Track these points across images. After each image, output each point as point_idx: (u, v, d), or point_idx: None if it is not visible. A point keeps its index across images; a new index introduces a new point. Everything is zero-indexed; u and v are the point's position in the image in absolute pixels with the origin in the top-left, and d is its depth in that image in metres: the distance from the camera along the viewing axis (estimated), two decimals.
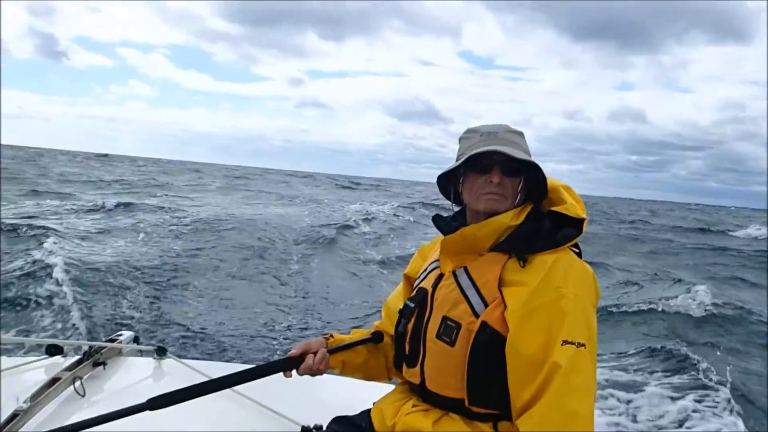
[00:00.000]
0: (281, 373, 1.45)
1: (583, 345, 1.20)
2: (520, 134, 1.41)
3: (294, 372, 1.46)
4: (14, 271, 7.77)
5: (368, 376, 1.60)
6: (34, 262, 8.02)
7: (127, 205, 16.22)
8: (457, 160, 1.41)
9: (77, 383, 1.81)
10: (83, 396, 1.77)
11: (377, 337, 1.56)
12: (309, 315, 7.34)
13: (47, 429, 1.31)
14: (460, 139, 1.44)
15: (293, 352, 1.47)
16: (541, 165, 1.35)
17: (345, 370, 1.56)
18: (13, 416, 1.52)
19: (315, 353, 1.46)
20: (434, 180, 1.50)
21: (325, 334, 1.56)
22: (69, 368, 1.91)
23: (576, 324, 1.21)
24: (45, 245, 9.07)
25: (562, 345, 1.18)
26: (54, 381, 1.77)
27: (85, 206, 15.60)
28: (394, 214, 21.14)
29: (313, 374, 1.47)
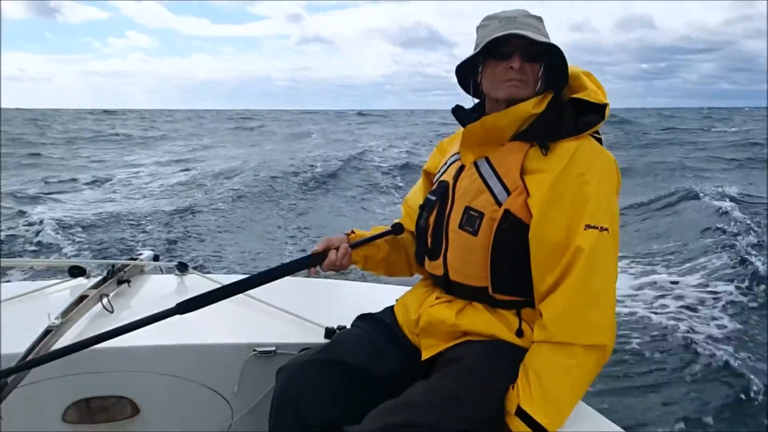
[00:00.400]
0: (302, 282, 1.46)
1: (606, 229, 1.21)
2: (539, 19, 1.35)
3: (318, 268, 1.47)
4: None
5: (390, 272, 1.62)
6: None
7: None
8: (475, 49, 1.36)
9: (104, 300, 1.86)
10: (111, 312, 1.83)
11: (397, 228, 1.54)
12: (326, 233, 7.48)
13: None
14: (478, 28, 1.39)
15: (316, 248, 1.48)
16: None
17: (367, 265, 1.57)
18: (46, 332, 1.57)
19: (337, 249, 1.47)
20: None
21: (346, 231, 1.57)
22: (94, 286, 1.96)
23: (599, 209, 1.21)
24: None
25: (585, 229, 1.20)
26: (81, 299, 1.82)
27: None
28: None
29: (336, 269, 1.48)
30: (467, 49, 1.41)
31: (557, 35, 1.35)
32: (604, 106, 1.32)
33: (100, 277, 2.09)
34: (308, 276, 1.62)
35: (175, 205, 9.75)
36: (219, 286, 1.44)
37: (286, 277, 1.47)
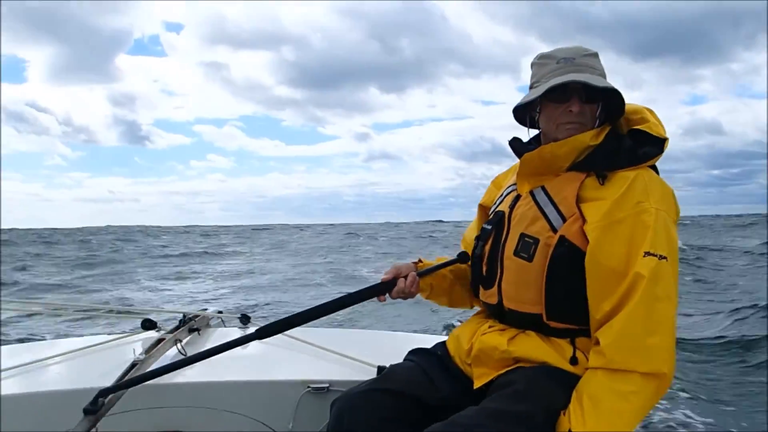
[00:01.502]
0: (349, 332, 1.48)
1: (665, 257, 1.19)
2: (595, 55, 1.38)
3: (387, 296, 1.49)
4: None
5: (452, 302, 1.62)
6: None
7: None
8: (531, 88, 1.40)
9: (179, 345, 1.99)
10: (185, 356, 1.91)
11: (463, 257, 1.53)
12: None
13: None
14: (533, 65, 1.42)
15: (385, 276, 1.50)
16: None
17: (432, 294, 1.58)
18: (133, 365, 1.71)
19: (406, 276, 1.48)
20: None
21: (414, 260, 1.58)
22: (170, 332, 2.12)
23: (658, 237, 1.21)
24: None
25: (644, 256, 1.18)
26: (159, 341, 1.96)
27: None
28: None
29: (404, 297, 1.49)
30: None
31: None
32: (664, 140, 1.33)
33: (173, 326, 2.25)
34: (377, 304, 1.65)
35: None
36: (282, 335, 1.50)
37: (337, 329, 1.51)
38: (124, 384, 1.50)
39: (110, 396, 1.44)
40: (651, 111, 1.38)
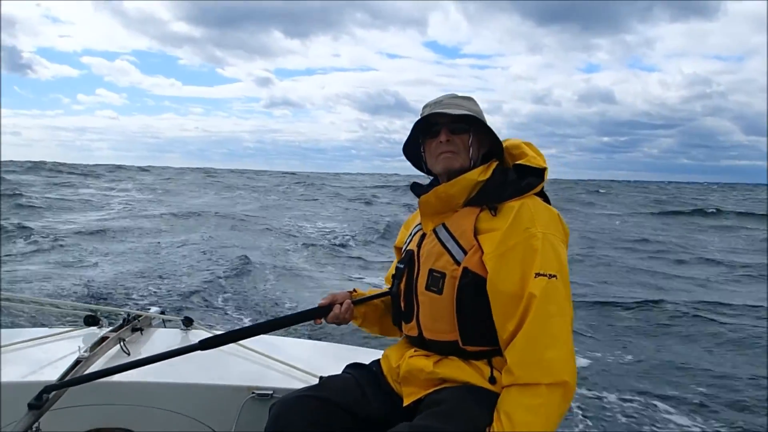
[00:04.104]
0: (297, 342, 1.58)
1: (555, 276, 1.32)
2: (468, 98, 1.55)
3: (323, 320, 1.62)
4: None
5: (383, 331, 1.75)
6: None
7: None
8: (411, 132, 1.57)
9: (122, 343, 2.05)
10: (128, 355, 1.99)
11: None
12: None
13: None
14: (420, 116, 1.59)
15: (322, 302, 1.63)
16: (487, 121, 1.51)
17: (365, 323, 1.72)
18: (77, 362, 1.75)
19: (341, 304, 1.61)
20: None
21: (349, 289, 1.71)
22: (114, 330, 2.17)
23: (546, 258, 1.34)
24: None
25: (535, 277, 1.31)
26: (103, 339, 2.01)
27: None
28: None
29: (338, 323, 1.63)
30: None
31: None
32: (544, 170, 1.49)
33: (117, 324, 2.28)
34: (311, 329, 1.75)
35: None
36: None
37: (284, 337, 1.59)
38: (69, 381, 1.53)
39: (54, 392, 1.47)
40: (529, 144, 1.54)
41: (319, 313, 1.60)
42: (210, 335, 1.55)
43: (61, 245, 12.08)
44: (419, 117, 1.54)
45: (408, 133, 1.59)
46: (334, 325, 1.66)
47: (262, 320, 1.68)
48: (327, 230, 17.52)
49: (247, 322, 6.72)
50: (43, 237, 13.09)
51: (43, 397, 1.43)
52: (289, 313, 1.68)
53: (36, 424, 1.39)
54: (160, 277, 9.18)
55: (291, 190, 41.01)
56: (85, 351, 1.83)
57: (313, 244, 14.03)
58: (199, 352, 1.51)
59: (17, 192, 24.08)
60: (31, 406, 1.41)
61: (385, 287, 1.74)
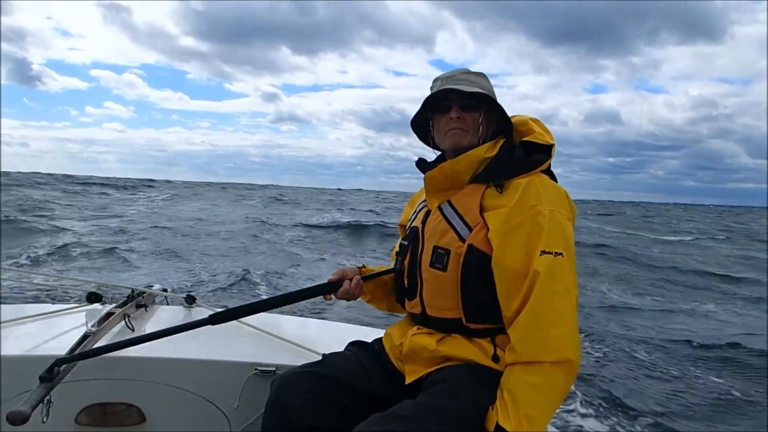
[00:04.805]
0: (300, 320, 1.58)
1: (561, 254, 1.31)
2: (480, 74, 1.53)
3: (333, 296, 1.62)
4: None
5: (391, 308, 1.75)
6: None
7: None
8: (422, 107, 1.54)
9: (127, 319, 2.07)
10: (133, 331, 2.01)
11: None
12: None
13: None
14: (430, 89, 1.55)
15: (332, 277, 1.63)
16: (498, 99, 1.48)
17: (373, 299, 1.72)
18: (85, 336, 1.77)
19: (351, 279, 1.61)
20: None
21: (358, 265, 1.71)
22: (119, 306, 2.18)
23: (552, 236, 1.32)
24: None
25: (540, 255, 1.30)
26: (109, 315, 2.03)
27: None
28: None
29: (348, 298, 1.63)
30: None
31: None
32: (551, 146, 1.46)
33: (121, 300, 2.30)
34: (321, 303, 1.75)
35: None
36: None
37: (286, 315, 1.58)
38: (80, 355, 1.55)
39: (64, 366, 1.49)
40: (536, 120, 1.52)
41: (329, 288, 1.61)
42: (212, 312, 1.54)
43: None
44: (431, 92, 1.51)
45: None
46: (336, 302, 1.66)
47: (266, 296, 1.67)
48: None
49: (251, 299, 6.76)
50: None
51: (54, 370, 1.45)
52: (296, 289, 1.65)
53: (48, 396, 1.41)
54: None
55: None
56: (93, 326, 1.85)
57: None
58: (203, 328, 1.52)
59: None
60: (42, 379, 1.42)
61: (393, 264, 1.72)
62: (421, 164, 1.59)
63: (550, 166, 1.49)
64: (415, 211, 1.62)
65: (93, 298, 2.40)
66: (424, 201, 1.57)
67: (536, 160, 1.44)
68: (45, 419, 1.40)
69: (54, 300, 5.17)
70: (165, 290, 2.62)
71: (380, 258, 12.16)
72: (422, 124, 1.60)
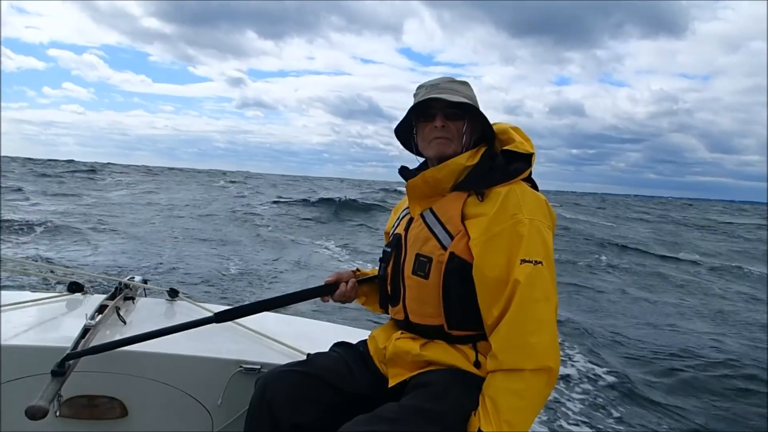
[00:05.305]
0: (288, 318, 1.57)
1: (540, 262, 1.33)
2: (464, 83, 1.54)
3: (330, 298, 1.65)
4: None
5: (385, 310, 1.74)
6: None
7: None
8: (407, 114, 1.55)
9: (117, 312, 2.05)
10: (125, 323, 2.00)
11: None
12: None
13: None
14: (414, 96, 1.56)
15: (328, 280, 1.66)
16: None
17: (368, 302, 1.74)
18: (86, 330, 1.76)
19: (347, 282, 1.64)
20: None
21: (353, 269, 1.73)
22: (110, 298, 2.17)
23: (532, 244, 1.34)
24: None
25: (520, 264, 1.32)
26: (103, 308, 2.01)
27: None
28: None
29: (344, 301, 1.66)
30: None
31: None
32: (531, 155, 1.48)
33: (110, 292, 2.28)
34: (304, 312, 1.76)
35: None
36: (204, 311, 1.55)
37: (272, 314, 1.59)
38: (92, 349, 1.56)
39: (73, 360, 1.50)
40: (516, 129, 1.54)
41: (326, 290, 1.65)
42: (196, 306, 1.54)
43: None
44: (415, 100, 1.52)
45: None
46: (339, 302, 1.69)
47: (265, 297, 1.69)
48: None
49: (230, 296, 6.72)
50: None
51: (65, 365, 1.46)
52: (291, 291, 1.68)
53: (59, 390, 1.42)
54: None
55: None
56: (91, 319, 1.85)
57: None
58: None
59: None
60: (54, 373, 1.43)
61: None
62: (404, 171, 1.59)
63: (530, 174, 1.50)
64: (398, 218, 1.63)
65: (74, 288, 2.37)
66: (407, 208, 1.58)
67: (517, 168, 1.46)
68: (57, 413, 1.41)
69: (25, 287, 5.06)
70: (146, 281, 2.59)
71: (371, 253, 12.21)
72: (404, 130, 1.61)
